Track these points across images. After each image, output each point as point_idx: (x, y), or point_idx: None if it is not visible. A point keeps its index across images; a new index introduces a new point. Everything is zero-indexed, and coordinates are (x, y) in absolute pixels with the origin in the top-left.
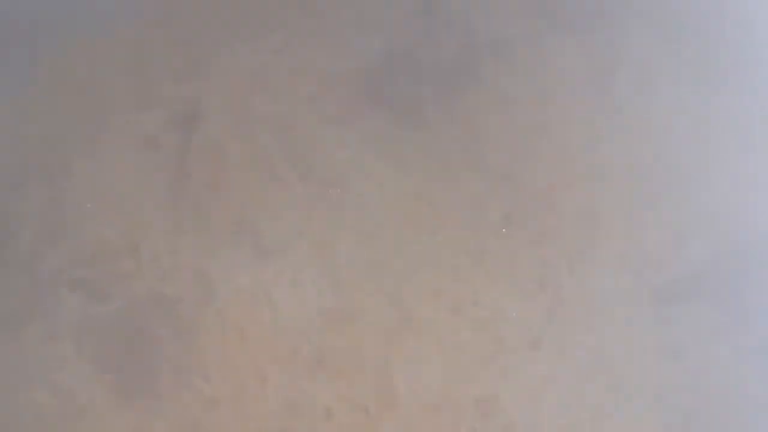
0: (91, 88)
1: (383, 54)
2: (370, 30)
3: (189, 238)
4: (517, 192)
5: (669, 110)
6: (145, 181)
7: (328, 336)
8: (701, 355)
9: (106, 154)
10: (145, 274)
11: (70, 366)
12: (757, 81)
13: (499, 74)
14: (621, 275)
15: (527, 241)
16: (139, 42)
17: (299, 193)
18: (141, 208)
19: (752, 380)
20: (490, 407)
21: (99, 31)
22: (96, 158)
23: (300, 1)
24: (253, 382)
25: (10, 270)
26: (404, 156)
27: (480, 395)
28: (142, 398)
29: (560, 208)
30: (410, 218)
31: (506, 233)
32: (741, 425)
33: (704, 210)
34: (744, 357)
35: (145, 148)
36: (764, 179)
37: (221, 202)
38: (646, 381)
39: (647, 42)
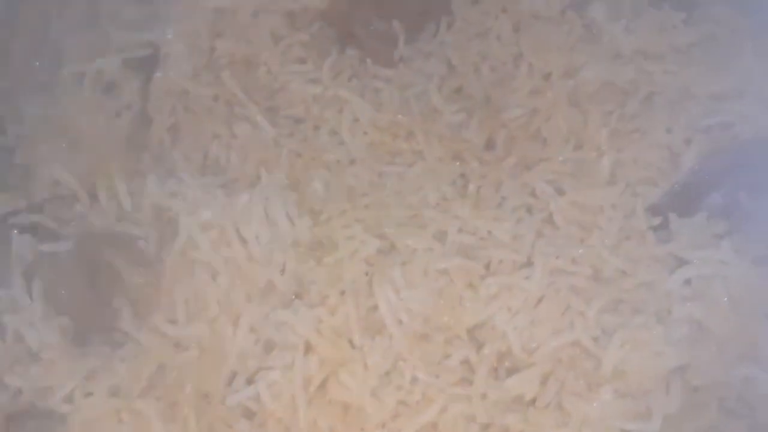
0: (44, 38)
1: None
2: None
3: (150, 179)
4: (498, 120)
5: (648, 32)
6: (104, 126)
7: (305, 267)
8: (703, 264)
9: (61, 101)
10: (101, 214)
11: (21, 309)
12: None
13: (471, 7)
14: (613, 192)
15: (512, 168)
16: None
17: (267, 129)
18: (98, 153)
19: (758, 286)
20: (482, 334)
21: None
22: (50, 106)
23: None
24: (225, 319)
25: None
26: (378, 91)
27: (471, 321)
28: (100, 342)
29: (544, 133)
30: (388, 151)
31: (489, 160)
32: (749, 334)
33: (691, 123)
34: (747, 263)
35: (102, 94)
36: (749, 90)
37: (184, 143)
38: (647, 296)
39: None
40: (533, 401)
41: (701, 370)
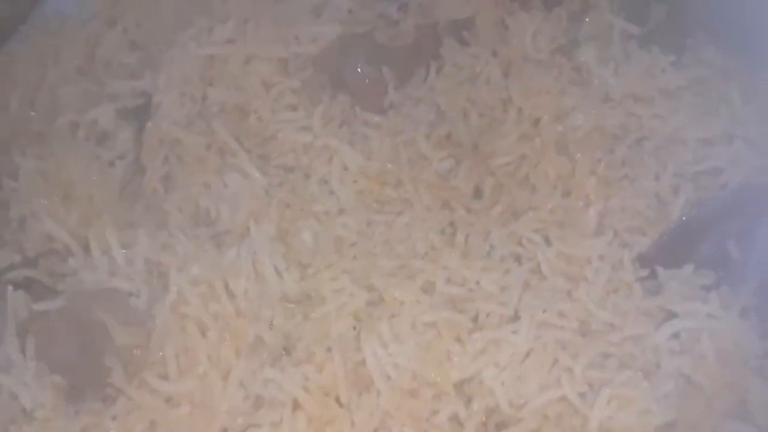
0: (40, 87)
1: (340, 38)
2: (326, 14)
3: (142, 231)
4: (486, 167)
5: (637, 76)
6: (98, 176)
7: (292, 323)
8: (690, 318)
9: (56, 152)
10: (94, 269)
11: (14, 368)
12: (722, 37)
13: (460, 50)
14: (600, 242)
15: (500, 216)
16: (90, 41)
17: (258, 179)
18: (92, 204)
19: (746, 339)
20: (470, 389)
21: (50, 30)
22: (44, 158)
23: None
24: (215, 375)
25: None
26: (368, 138)
27: (459, 376)
28: (93, 399)
29: (533, 179)
30: (377, 199)
31: (478, 209)
32: (738, 389)
33: (680, 170)
34: (735, 316)
35: (96, 144)
36: (737, 134)
37: (176, 193)
38: (634, 349)
39: (611, 14)
40: None
41: (689, 427)
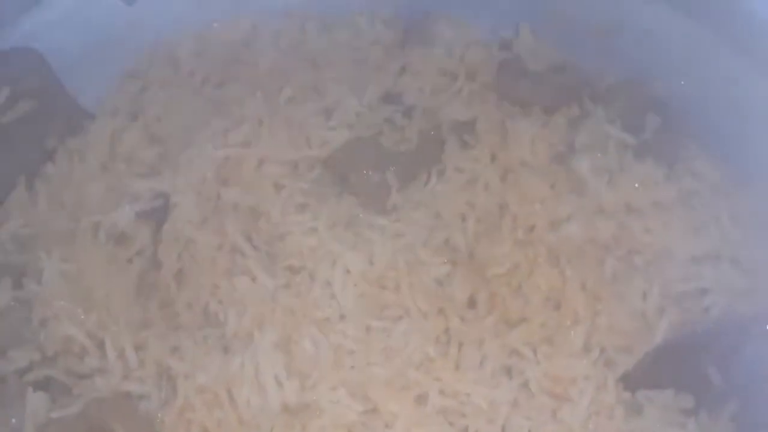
0: (68, 184)
1: (348, 142)
2: (335, 119)
3: (155, 332)
4: (482, 275)
5: (631, 187)
6: (116, 276)
7: None
8: None
9: (80, 254)
10: (109, 372)
11: None
12: (715, 150)
13: (461, 153)
14: (586, 362)
15: (493, 327)
16: (113, 137)
17: (266, 283)
18: (109, 305)
19: None
20: None
21: (73, 129)
22: (69, 259)
23: (266, 94)
24: None
25: None
26: (371, 242)
27: None
28: None
29: (525, 290)
30: (376, 305)
31: (471, 318)
32: None
33: (666, 289)
34: None
35: (115, 245)
36: (724, 254)
37: (188, 293)
38: None
39: (608, 123)
40: None
41: None
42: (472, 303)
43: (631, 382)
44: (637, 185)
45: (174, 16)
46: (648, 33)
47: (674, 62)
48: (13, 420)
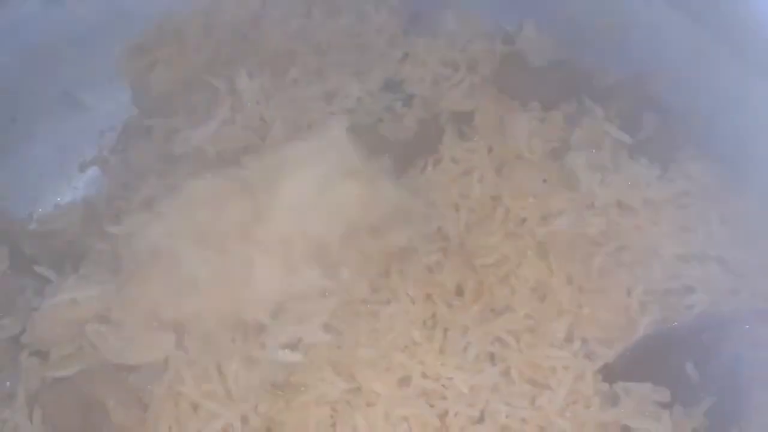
0: None
1: (348, 129)
2: (337, 101)
3: None
4: (471, 265)
5: (622, 186)
6: None
7: (276, 408)
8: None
9: None
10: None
11: None
12: (710, 152)
13: (457, 146)
14: (567, 353)
15: (479, 315)
16: None
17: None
18: None
19: None
20: None
21: None
22: None
23: (272, 69)
24: None
25: None
26: None
27: None
28: None
29: (512, 281)
30: (368, 286)
31: (458, 305)
32: None
33: (651, 285)
34: None
35: None
36: (711, 254)
37: None
38: None
39: (606, 121)
40: None
41: None
42: (459, 291)
43: (610, 374)
44: (629, 184)
45: None
46: (649, 33)
47: (674, 62)
48: (7, 383)
